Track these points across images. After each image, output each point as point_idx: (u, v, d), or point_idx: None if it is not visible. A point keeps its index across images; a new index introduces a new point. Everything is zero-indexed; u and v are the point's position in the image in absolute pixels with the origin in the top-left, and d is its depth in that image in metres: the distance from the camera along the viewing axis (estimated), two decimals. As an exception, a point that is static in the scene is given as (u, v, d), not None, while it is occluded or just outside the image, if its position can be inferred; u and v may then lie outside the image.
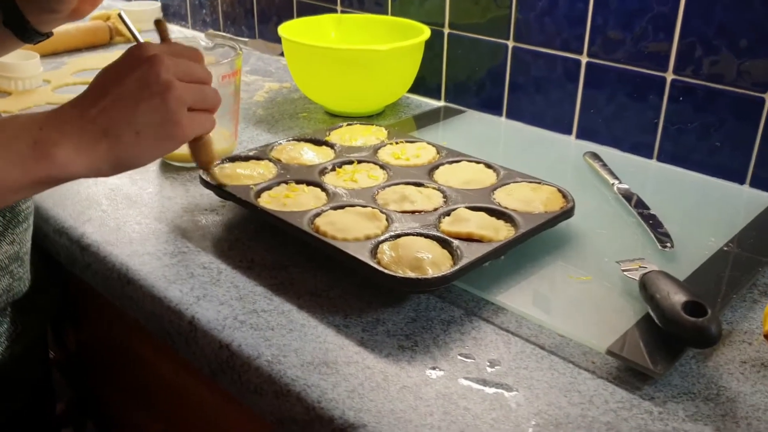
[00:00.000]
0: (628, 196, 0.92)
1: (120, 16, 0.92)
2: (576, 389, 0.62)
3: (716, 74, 0.97)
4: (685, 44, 0.99)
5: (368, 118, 1.22)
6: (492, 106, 1.24)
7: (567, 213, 0.82)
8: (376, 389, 0.62)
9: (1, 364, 0.81)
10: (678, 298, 0.65)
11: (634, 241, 0.84)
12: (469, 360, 0.65)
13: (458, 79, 1.27)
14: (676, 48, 1.00)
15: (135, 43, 0.68)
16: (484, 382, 0.63)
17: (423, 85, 1.31)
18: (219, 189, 0.86)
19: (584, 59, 1.09)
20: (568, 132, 1.15)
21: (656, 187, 0.99)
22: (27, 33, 0.87)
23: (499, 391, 0.62)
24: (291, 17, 1.52)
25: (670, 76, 1.01)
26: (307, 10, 1.49)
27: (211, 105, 0.70)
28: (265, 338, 0.68)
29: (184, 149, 0.96)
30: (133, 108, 0.63)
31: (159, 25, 0.76)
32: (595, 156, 1.04)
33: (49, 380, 0.98)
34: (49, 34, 0.90)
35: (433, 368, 0.64)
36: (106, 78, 0.66)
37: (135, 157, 0.65)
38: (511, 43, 1.18)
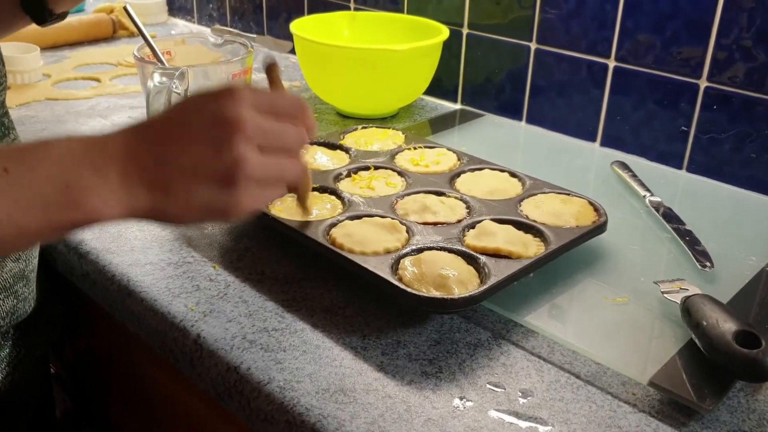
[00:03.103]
0: (660, 209, 0.87)
1: (126, 9, 0.87)
2: (616, 424, 0.57)
3: (754, 82, 0.92)
4: (721, 50, 0.93)
5: (382, 120, 1.16)
6: (511, 111, 1.18)
7: (600, 228, 0.77)
8: (398, 421, 0.56)
9: (2, 392, 0.76)
10: (728, 326, 0.59)
11: (670, 259, 0.79)
12: (499, 389, 0.60)
13: (476, 82, 1.22)
14: (711, 54, 0.94)
15: (227, 87, 0.55)
16: (517, 415, 0.58)
17: (439, 86, 1.25)
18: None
19: (612, 63, 1.04)
20: (592, 139, 1.10)
21: (687, 199, 0.94)
22: (44, 14, 0.81)
23: (534, 425, 0.57)
24: (302, 14, 1.47)
25: (703, 83, 0.96)
26: (318, 7, 1.43)
27: (286, 181, 0.58)
28: (276, 361, 0.62)
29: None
30: (193, 173, 0.52)
31: (271, 71, 0.63)
32: (624, 166, 0.98)
33: (49, 394, 0.92)
34: (63, 16, 0.84)
35: (461, 398, 0.59)
36: (175, 122, 0.54)
37: (177, 219, 0.54)
38: (533, 45, 1.12)
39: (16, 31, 0.89)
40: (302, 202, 0.72)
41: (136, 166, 0.51)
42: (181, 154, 0.52)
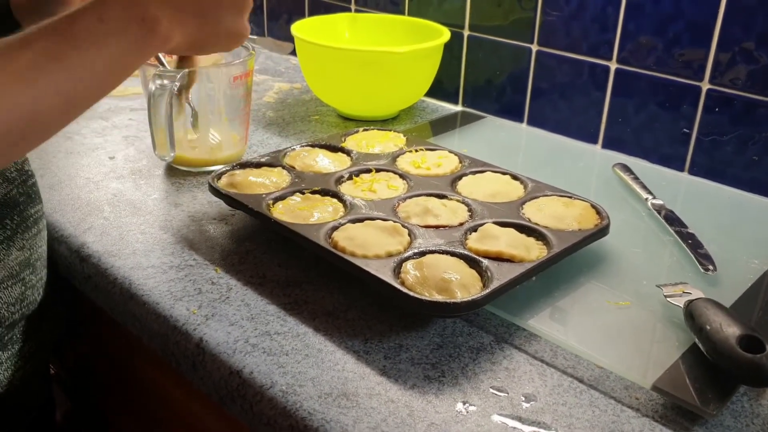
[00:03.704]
0: (663, 212, 0.87)
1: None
2: (619, 429, 0.57)
3: (756, 84, 0.92)
4: (723, 52, 0.93)
5: (383, 123, 1.16)
6: (513, 113, 1.18)
7: (602, 231, 0.77)
8: (401, 426, 0.56)
9: (6, 392, 0.75)
10: (732, 331, 0.59)
11: (672, 262, 0.79)
12: (502, 394, 0.60)
13: (477, 84, 1.22)
14: (713, 56, 0.94)
15: None
16: (520, 420, 0.57)
17: (440, 88, 1.25)
18: (229, 198, 0.81)
19: (613, 65, 1.04)
20: (594, 141, 1.09)
21: (689, 202, 0.94)
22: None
23: (537, 430, 0.56)
24: (302, 15, 1.47)
25: (705, 86, 0.96)
26: (319, 9, 1.43)
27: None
28: (279, 365, 0.62)
29: (191, 153, 0.91)
30: (219, 7, 0.68)
31: None
32: (626, 168, 0.98)
33: (50, 396, 0.92)
34: None
35: (464, 403, 0.59)
36: None
37: (212, 42, 0.70)
38: (535, 47, 1.12)
39: None
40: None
41: (180, 2, 0.64)
42: None
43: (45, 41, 0.55)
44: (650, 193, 0.91)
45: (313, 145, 0.95)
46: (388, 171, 0.89)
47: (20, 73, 0.53)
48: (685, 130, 0.99)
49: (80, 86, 0.57)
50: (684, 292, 0.69)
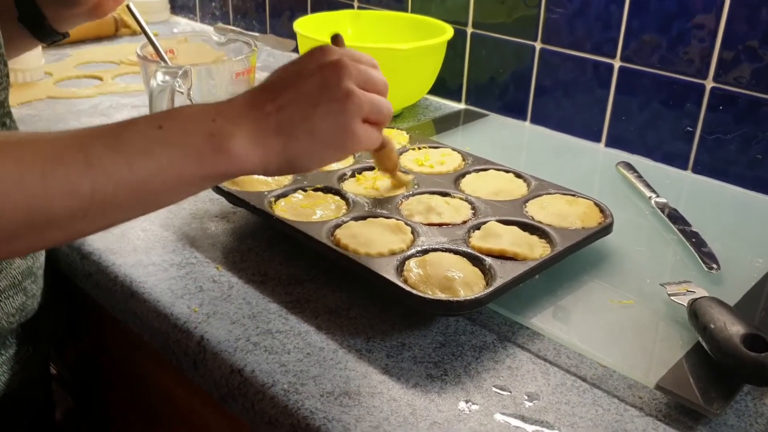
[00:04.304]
0: (666, 210, 0.86)
1: (129, 7, 0.87)
2: (623, 428, 0.57)
3: (760, 83, 0.91)
4: (727, 50, 0.93)
5: (385, 120, 1.16)
6: (516, 110, 1.18)
7: (606, 229, 0.76)
8: (404, 425, 0.56)
9: (6, 392, 0.75)
10: (735, 330, 0.59)
11: (676, 260, 0.78)
12: (505, 393, 0.60)
13: (480, 81, 1.21)
14: (717, 54, 0.94)
15: (318, 46, 0.63)
16: (523, 419, 0.57)
17: (443, 86, 1.25)
18: (230, 195, 0.81)
19: (617, 63, 1.03)
20: (597, 139, 1.09)
21: (693, 200, 0.93)
22: (43, 31, 0.82)
23: (540, 429, 0.56)
24: (305, 12, 1.46)
25: (709, 84, 0.95)
26: (322, 5, 1.43)
27: (384, 119, 0.65)
28: (280, 363, 0.62)
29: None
30: (312, 110, 0.59)
31: (337, 41, 0.70)
32: (629, 166, 0.98)
33: (50, 395, 0.92)
34: (65, 35, 0.85)
35: (466, 401, 0.59)
36: (285, 75, 0.62)
37: (306, 158, 0.61)
38: (538, 45, 1.12)
39: (24, 51, 0.89)
40: (393, 170, 0.80)
41: (263, 115, 0.58)
42: (297, 97, 0.59)
43: (91, 138, 0.52)
44: (654, 191, 0.91)
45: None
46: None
47: (34, 162, 0.49)
48: (688, 128, 0.99)
49: (109, 189, 0.51)
50: (688, 291, 0.68)
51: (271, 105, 0.59)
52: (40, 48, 1.29)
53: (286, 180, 0.85)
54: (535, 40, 1.12)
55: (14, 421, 0.79)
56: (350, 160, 0.91)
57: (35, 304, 0.77)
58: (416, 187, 0.84)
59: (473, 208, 0.80)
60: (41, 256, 0.78)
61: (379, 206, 0.79)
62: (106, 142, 0.52)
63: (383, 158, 0.76)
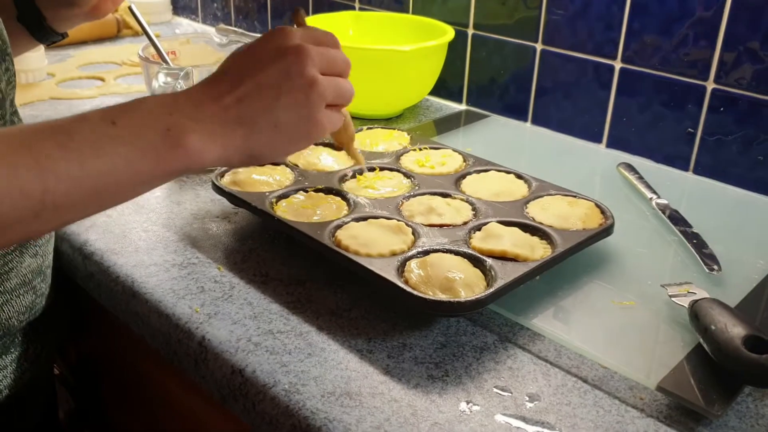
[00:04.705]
0: (667, 211, 0.86)
1: (130, 8, 0.87)
2: (624, 429, 0.57)
3: (761, 84, 0.91)
4: (728, 52, 0.93)
5: (387, 121, 1.16)
6: (517, 111, 1.18)
7: (606, 230, 0.76)
8: (404, 425, 0.56)
9: (11, 393, 0.75)
10: (736, 331, 0.59)
11: (677, 262, 0.78)
12: (505, 393, 0.60)
13: (481, 82, 1.21)
14: (719, 56, 0.94)
15: (277, 27, 0.61)
16: (524, 420, 0.57)
17: (444, 87, 1.25)
18: (232, 195, 0.81)
19: (618, 65, 1.04)
20: (598, 140, 1.09)
21: (694, 201, 0.93)
22: (42, 31, 0.82)
23: (541, 430, 0.56)
24: (306, 13, 1.46)
25: (710, 85, 0.96)
26: (323, 6, 1.43)
27: (346, 102, 0.64)
28: (282, 363, 0.62)
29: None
30: (274, 100, 0.58)
31: (296, 16, 0.68)
32: (630, 167, 0.98)
33: (53, 395, 0.92)
34: (64, 35, 0.86)
35: (467, 402, 0.59)
36: (244, 62, 0.59)
37: (269, 150, 0.60)
38: (539, 46, 1.12)
39: (23, 52, 0.89)
40: (349, 147, 0.78)
41: (222, 107, 0.56)
42: (258, 87, 0.57)
43: (42, 136, 0.50)
44: (655, 192, 0.91)
45: (316, 143, 0.94)
46: (392, 169, 0.88)
47: None
48: (689, 129, 0.99)
49: (61, 189, 0.49)
50: (689, 292, 0.68)
51: (229, 96, 0.57)
52: (42, 49, 1.29)
53: (287, 181, 0.85)
54: (536, 41, 1.12)
55: (22, 420, 0.80)
56: (351, 161, 0.91)
57: (43, 303, 0.77)
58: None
59: (474, 209, 0.80)
60: (50, 255, 0.78)
61: (380, 207, 0.79)
62: (56, 141, 0.50)
63: (340, 132, 0.75)
